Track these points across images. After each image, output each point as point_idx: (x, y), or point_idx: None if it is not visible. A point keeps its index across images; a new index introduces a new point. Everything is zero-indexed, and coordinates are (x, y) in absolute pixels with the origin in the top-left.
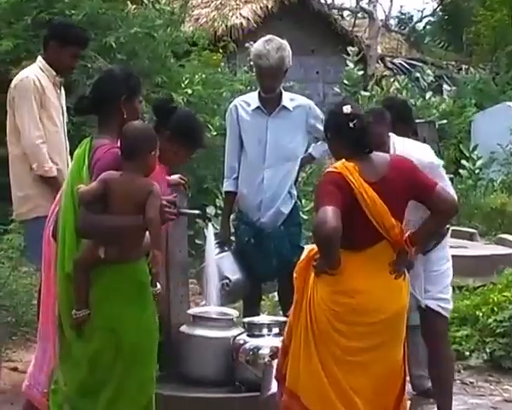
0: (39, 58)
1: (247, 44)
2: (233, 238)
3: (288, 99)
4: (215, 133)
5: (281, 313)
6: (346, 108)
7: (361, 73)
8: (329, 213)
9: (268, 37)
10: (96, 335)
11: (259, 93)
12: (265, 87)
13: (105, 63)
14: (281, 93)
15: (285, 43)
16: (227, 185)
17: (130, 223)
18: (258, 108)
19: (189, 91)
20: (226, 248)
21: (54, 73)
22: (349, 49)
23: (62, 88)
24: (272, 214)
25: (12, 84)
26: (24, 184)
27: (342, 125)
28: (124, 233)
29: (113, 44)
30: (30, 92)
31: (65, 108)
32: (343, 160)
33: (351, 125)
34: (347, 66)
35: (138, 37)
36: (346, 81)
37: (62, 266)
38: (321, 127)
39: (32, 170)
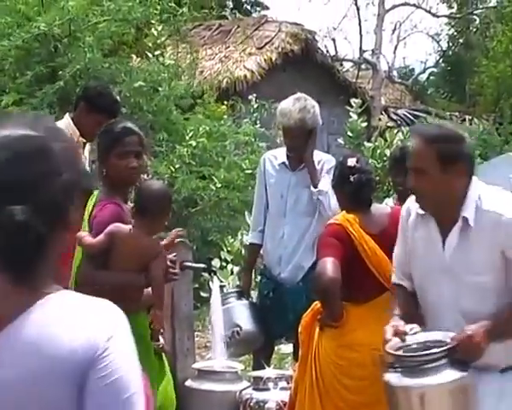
0: (67, 115)
1: (250, 96)
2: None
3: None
4: (219, 185)
5: (287, 366)
6: (351, 161)
7: (364, 124)
8: (328, 264)
9: (297, 95)
10: None
11: None
12: (287, 145)
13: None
14: (310, 151)
15: (311, 103)
16: (251, 237)
17: (132, 281)
18: (283, 163)
19: (194, 144)
20: (243, 299)
21: (78, 133)
22: (352, 100)
23: (87, 147)
24: (292, 269)
25: None
26: None
27: (344, 177)
28: (123, 290)
29: (117, 98)
30: None
31: (87, 168)
32: (343, 211)
33: (351, 178)
34: (350, 117)
35: (142, 90)
36: (349, 133)
37: None
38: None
39: None
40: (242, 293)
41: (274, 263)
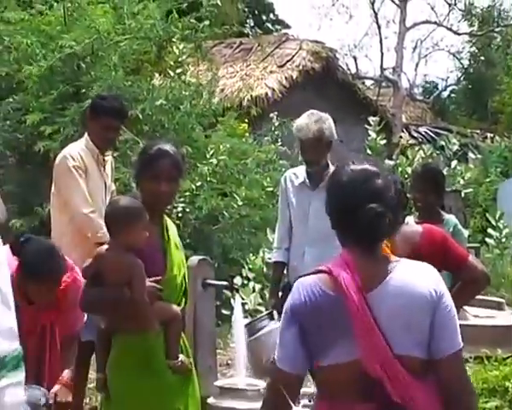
0: (85, 135)
1: (271, 114)
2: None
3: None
4: (241, 203)
5: (308, 384)
6: None
7: (383, 142)
8: None
9: (310, 111)
10: (110, 401)
11: None
12: (307, 160)
13: (131, 135)
14: (328, 166)
15: (326, 116)
16: (277, 256)
17: (115, 296)
18: (303, 182)
19: (215, 162)
20: (275, 321)
21: (96, 151)
22: (370, 119)
23: (109, 164)
24: None
25: (57, 161)
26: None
27: None
28: (114, 305)
29: (140, 116)
30: (69, 169)
31: (110, 186)
32: None
33: None
34: (370, 135)
35: (164, 108)
36: (369, 151)
37: None
38: None
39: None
40: (272, 315)
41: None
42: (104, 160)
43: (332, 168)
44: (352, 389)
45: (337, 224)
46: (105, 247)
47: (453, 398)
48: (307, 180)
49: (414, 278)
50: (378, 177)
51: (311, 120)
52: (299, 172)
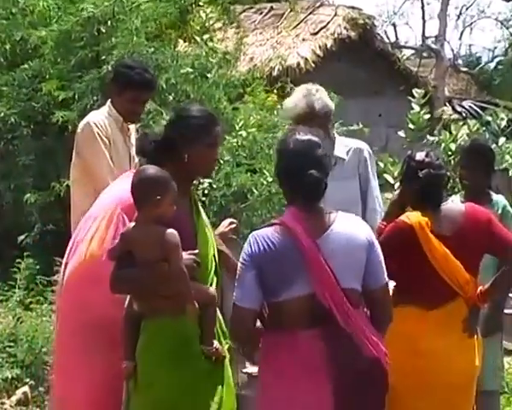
0: (108, 102)
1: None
2: None
3: (343, 145)
4: (271, 180)
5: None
6: (420, 155)
7: (427, 116)
8: None
9: (298, 88)
10: (139, 390)
11: None
12: None
13: (155, 106)
14: (333, 140)
15: (316, 87)
16: None
17: (153, 272)
18: None
19: (244, 134)
20: None
21: (121, 119)
22: (414, 90)
23: (133, 134)
24: None
25: (78, 129)
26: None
27: (411, 172)
28: (149, 284)
29: (164, 86)
30: (93, 136)
31: (134, 155)
32: (416, 212)
33: (419, 173)
34: (412, 109)
35: (190, 78)
36: (411, 125)
37: None
38: (370, 177)
39: None
40: None
41: None
42: (129, 129)
43: (339, 140)
44: (301, 319)
45: (284, 185)
46: (131, 224)
47: (378, 316)
48: None
49: (351, 226)
50: (319, 147)
51: (298, 97)
52: None
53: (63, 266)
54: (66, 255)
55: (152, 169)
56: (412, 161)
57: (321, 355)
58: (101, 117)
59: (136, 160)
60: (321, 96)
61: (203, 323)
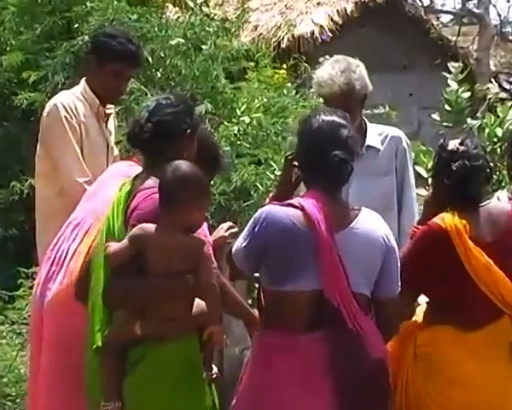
0: (83, 81)
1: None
2: None
3: (376, 134)
4: (279, 173)
5: None
6: (453, 144)
7: (467, 95)
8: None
9: (334, 58)
10: None
11: None
12: None
13: (138, 84)
14: (365, 127)
15: (355, 62)
16: None
17: (174, 286)
18: None
19: (247, 120)
20: None
21: (97, 102)
22: (451, 64)
23: (112, 120)
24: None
25: (44, 112)
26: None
27: (443, 164)
28: (164, 301)
29: (149, 59)
30: (60, 122)
31: (113, 146)
32: (452, 214)
33: (453, 166)
34: (449, 86)
35: (181, 50)
36: (447, 106)
37: (92, 341)
38: (408, 174)
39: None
40: None
41: None
42: (106, 113)
43: (372, 128)
44: (303, 317)
45: (305, 167)
46: (147, 226)
47: (384, 327)
48: None
49: (373, 226)
50: (344, 128)
51: (335, 70)
52: None
53: (42, 280)
54: (45, 266)
55: (191, 167)
56: (444, 151)
57: (325, 362)
58: (71, 98)
59: (116, 151)
60: (362, 75)
61: (206, 345)
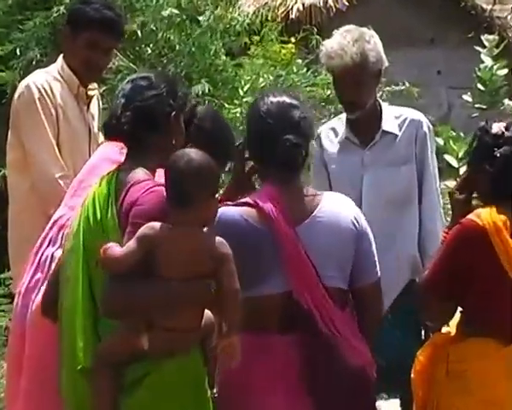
0: (60, 58)
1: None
2: None
3: (393, 117)
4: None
5: None
6: (497, 127)
7: (504, 72)
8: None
9: (345, 27)
10: None
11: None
12: (346, 102)
13: (126, 62)
14: (380, 110)
15: (369, 32)
16: None
17: (192, 292)
18: (347, 138)
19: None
20: None
21: (76, 81)
22: (485, 37)
23: (96, 102)
24: None
25: (15, 94)
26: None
27: (484, 150)
28: (178, 309)
29: (138, 33)
30: (33, 106)
31: (96, 132)
32: (490, 208)
33: (496, 152)
34: (483, 62)
35: (175, 22)
36: (480, 86)
37: (73, 360)
38: (429, 158)
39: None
40: None
41: None
42: (88, 95)
43: (388, 110)
44: (274, 322)
45: (256, 156)
46: (161, 225)
47: (366, 319)
48: (351, 134)
49: (339, 210)
50: (296, 108)
51: (347, 40)
52: (338, 126)
53: (24, 289)
54: (27, 273)
55: (204, 156)
56: (486, 135)
57: (299, 365)
58: (46, 78)
59: (101, 138)
60: (377, 47)
61: (209, 359)
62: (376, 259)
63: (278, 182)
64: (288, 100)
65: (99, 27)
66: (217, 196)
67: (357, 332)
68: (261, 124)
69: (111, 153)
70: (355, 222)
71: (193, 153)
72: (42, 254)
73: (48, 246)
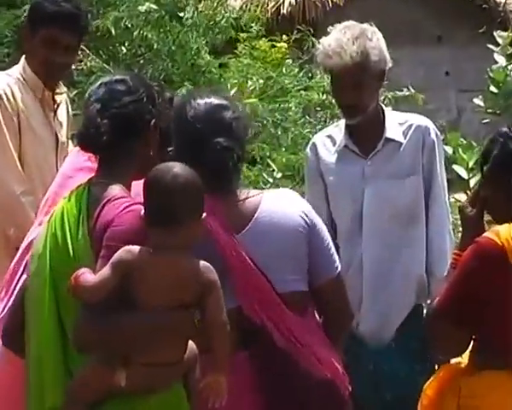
0: (23, 59)
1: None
2: None
3: (397, 123)
4: (279, 176)
5: None
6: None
7: None
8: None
9: (345, 23)
10: None
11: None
12: (345, 106)
13: (98, 63)
14: (382, 115)
15: (372, 29)
16: None
17: (175, 323)
18: (346, 146)
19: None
20: None
21: (41, 85)
22: (498, 34)
23: (64, 108)
24: (377, 318)
25: None
26: None
27: (505, 158)
28: (158, 342)
29: (112, 31)
30: None
31: (64, 141)
32: (509, 225)
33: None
34: (496, 62)
35: (152, 18)
36: (493, 88)
37: (41, 398)
38: (437, 169)
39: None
40: None
41: None
42: (55, 100)
43: (391, 116)
44: (231, 340)
45: (186, 164)
46: (140, 248)
47: (332, 319)
48: (351, 142)
49: (283, 208)
50: (226, 109)
51: (346, 37)
52: (336, 133)
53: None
54: (2, 297)
55: (190, 171)
56: (509, 141)
57: (255, 384)
58: (7, 81)
59: (71, 146)
60: (379, 45)
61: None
62: (334, 252)
63: (212, 190)
64: (216, 101)
65: (56, 22)
66: (202, 216)
67: (325, 340)
68: (189, 129)
69: (83, 162)
70: (304, 217)
71: (178, 167)
72: (17, 282)
73: (22, 273)
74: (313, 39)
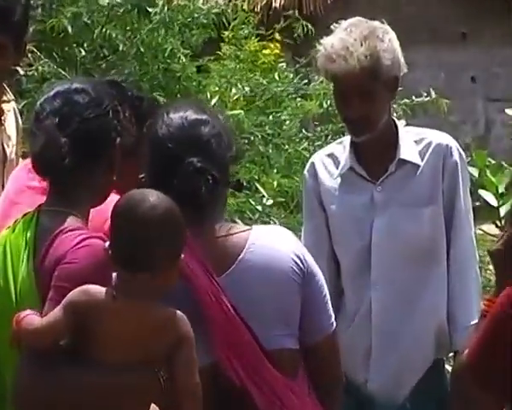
0: None
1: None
2: None
3: (412, 141)
4: (270, 203)
5: None
6: None
7: None
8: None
9: (350, 20)
10: None
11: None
12: (350, 120)
13: (52, 67)
14: (395, 131)
15: (383, 27)
16: None
17: (136, 383)
18: (351, 169)
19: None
20: None
21: None
22: None
23: (13, 119)
24: (389, 374)
25: None
26: None
27: None
28: (116, 405)
29: (69, 29)
30: None
31: (13, 158)
32: None
33: None
34: None
35: (117, 15)
36: None
37: None
38: (460, 196)
39: None
40: None
41: (357, 363)
42: (1, 109)
43: (405, 132)
44: (205, 402)
45: (157, 188)
46: (100, 291)
47: (322, 389)
48: (357, 164)
49: (274, 249)
50: (204, 124)
51: (352, 37)
52: (339, 152)
53: None
54: None
55: (169, 201)
56: None
57: None
58: None
59: (23, 162)
60: (393, 46)
61: None
62: (329, 304)
63: (188, 222)
64: (193, 115)
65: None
66: (182, 256)
67: (316, 406)
68: (160, 149)
69: (30, 180)
70: (297, 260)
71: (154, 196)
72: None
73: None
74: (309, 39)
